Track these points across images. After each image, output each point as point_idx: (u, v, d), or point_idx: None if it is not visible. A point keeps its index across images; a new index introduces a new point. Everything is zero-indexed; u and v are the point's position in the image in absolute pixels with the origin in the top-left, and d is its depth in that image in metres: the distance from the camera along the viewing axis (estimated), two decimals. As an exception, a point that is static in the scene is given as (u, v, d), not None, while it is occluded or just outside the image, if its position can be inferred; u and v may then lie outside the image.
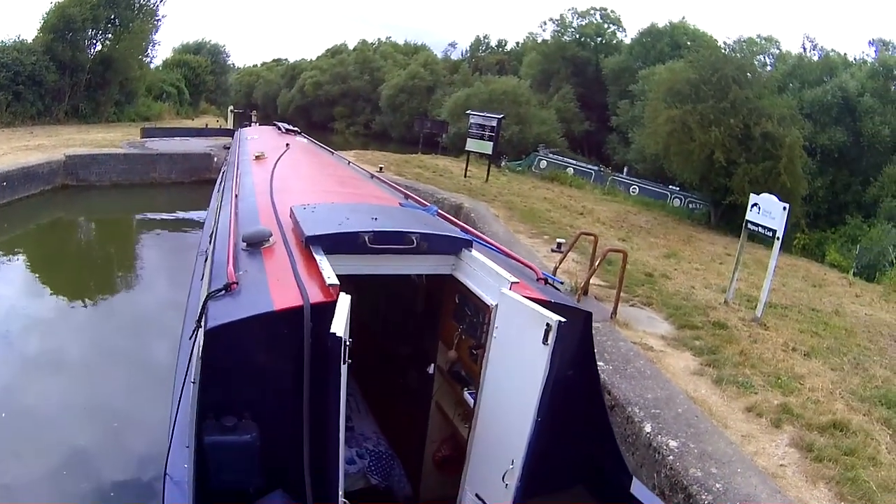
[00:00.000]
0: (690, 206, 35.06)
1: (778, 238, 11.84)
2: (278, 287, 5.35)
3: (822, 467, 7.19)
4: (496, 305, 5.77)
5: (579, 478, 6.54)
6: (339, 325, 4.60)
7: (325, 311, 4.87)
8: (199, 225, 20.25)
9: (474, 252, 6.50)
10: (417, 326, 8.25)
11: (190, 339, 5.70)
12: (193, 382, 5.19)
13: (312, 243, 6.00)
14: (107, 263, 20.07)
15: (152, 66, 51.54)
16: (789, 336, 11.44)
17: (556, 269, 11.77)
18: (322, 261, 5.66)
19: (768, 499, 6.44)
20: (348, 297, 5.00)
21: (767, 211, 12.11)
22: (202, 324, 5.08)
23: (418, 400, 7.86)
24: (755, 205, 12.43)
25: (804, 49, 47.67)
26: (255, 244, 6.37)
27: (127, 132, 34.82)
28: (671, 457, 6.96)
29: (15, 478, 8.74)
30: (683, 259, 17.95)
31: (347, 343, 4.61)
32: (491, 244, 7.52)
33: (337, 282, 5.21)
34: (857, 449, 7.53)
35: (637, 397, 8.06)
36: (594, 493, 6.47)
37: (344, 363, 4.64)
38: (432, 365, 7.38)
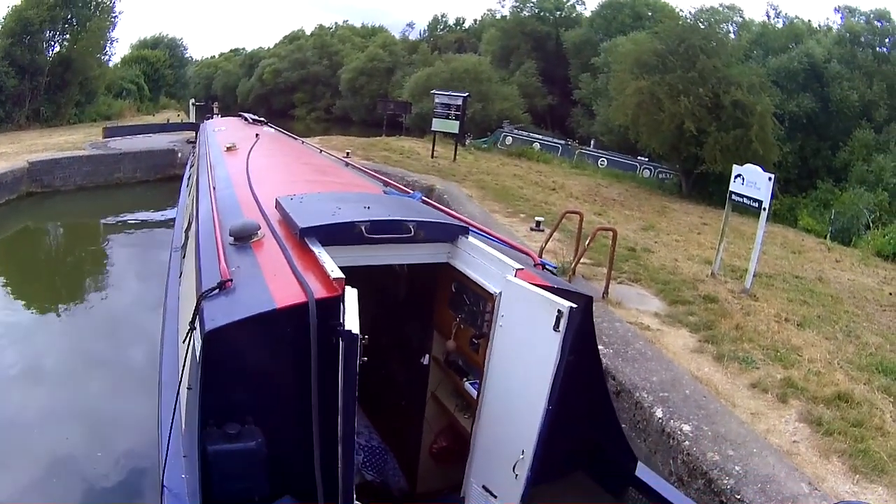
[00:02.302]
0: (660, 176, 35.14)
1: (764, 209, 11.80)
2: (277, 283, 5.09)
3: (833, 441, 7.18)
4: (500, 293, 5.56)
5: (583, 463, 6.40)
6: (352, 320, 4.41)
7: (330, 306, 4.68)
8: (168, 223, 19.90)
9: (471, 239, 6.27)
10: (406, 317, 7.95)
11: (183, 342, 5.31)
12: (189, 388, 5.00)
13: (307, 235, 5.70)
14: (78, 269, 19.65)
15: (111, 64, 50.40)
16: (780, 306, 11.45)
17: (541, 249, 11.55)
18: (321, 253, 5.40)
19: (787, 478, 6.39)
20: (355, 290, 4.75)
21: (752, 182, 12.08)
22: (197, 325, 4.86)
23: (412, 392, 7.64)
24: (739, 175, 12.40)
25: (768, 17, 47.90)
26: (244, 238, 6.04)
27: (89, 133, 34.08)
28: (687, 442, 6.86)
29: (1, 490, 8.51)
30: (661, 231, 17.97)
31: (363, 339, 4.40)
32: (485, 231, 7.26)
33: (342, 275, 4.94)
34: (863, 420, 7.55)
35: (643, 381, 7.93)
36: (598, 478, 6.34)
37: (359, 360, 4.42)
38: (426, 356, 7.18)
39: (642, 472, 6.11)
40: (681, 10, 52.30)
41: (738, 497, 6.22)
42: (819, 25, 42.90)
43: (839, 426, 7.38)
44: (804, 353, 9.34)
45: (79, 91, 42.15)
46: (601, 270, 12.13)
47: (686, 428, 6.97)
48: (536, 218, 16.24)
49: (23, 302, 15.65)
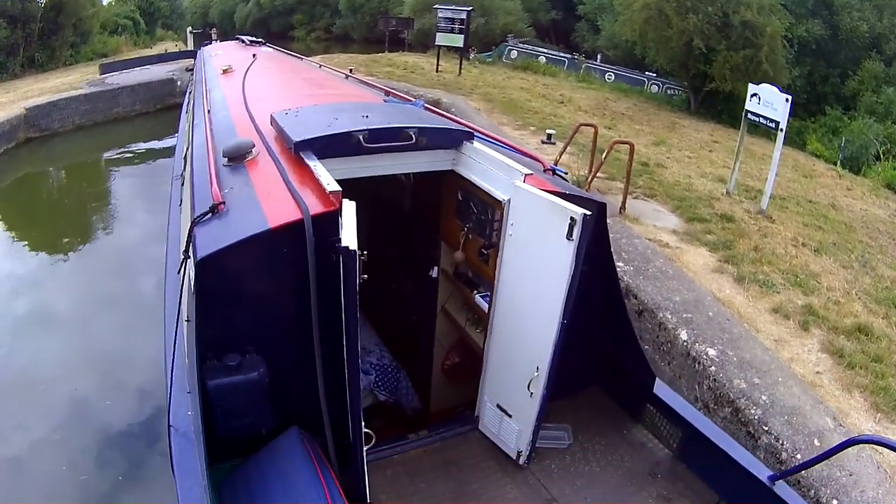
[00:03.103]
0: (668, 91, 34.33)
1: (781, 130, 11.55)
2: (271, 202, 4.84)
3: (855, 375, 7.11)
4: (508, 200, 5.31)
5: (599, 378, 6.35)
6: (350, 235, 4.18)
7: (327, 221, 4.47)
8: (169, 152, 19.62)
9: (476, 144, 5.96)
10: (412, 229, 7.75)
11: (178, 272, 5.14)
12: (187, 320, 4.75)
13: (302, 149, 5.40)
14: (82, 209, 19.31)
15: (104, 2, 49.50)
16: (795, 230, 11.32)
17: (556, 162, 11.16)
18: (316, 167, 5.10)
19: (812, 411, 6.32)
20: (353, 203, 4.53)
21: (768, 102, 11.80)
22: (190, 254, 4.59)
23: (422, 306, 7.47)
24: (755, 95, 12.08)
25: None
26: (238, 158, 5.75)
27: (85, 72, 33.12)
28: (713, 367, 6.74)
29: (20, 437, 8.51)
30: (673, 147, 17.72)
31: (361, 255, 4.16)
32: (490, 136, 6.91)
33: (338, 188, 4.67)
34: (883, 356, 7.48)
35: (665, 301, 7.73)
36: (614, 394, 6.28)
37: (358, 278, 4.17)
38: (435, 268, 7.00)
39: (660, 389, 5.98)
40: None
41: (766, 428, 6.17)
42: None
43: (860, 360, 7.31)
44: (822, 281, 9.23)
45: (73, 32, 40.97)
46: (615, 185, 11.95)
47: (711, 352, 6.79)
48: (548, 131, 15.88)
49: (29, 247, 15.48)
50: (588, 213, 4.69)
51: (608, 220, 9.55)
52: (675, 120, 24.45)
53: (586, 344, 5.76)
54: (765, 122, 11.88)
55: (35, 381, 9.62)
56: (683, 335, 7.03)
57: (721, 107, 26.78)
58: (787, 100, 11.40)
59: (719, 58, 24.52)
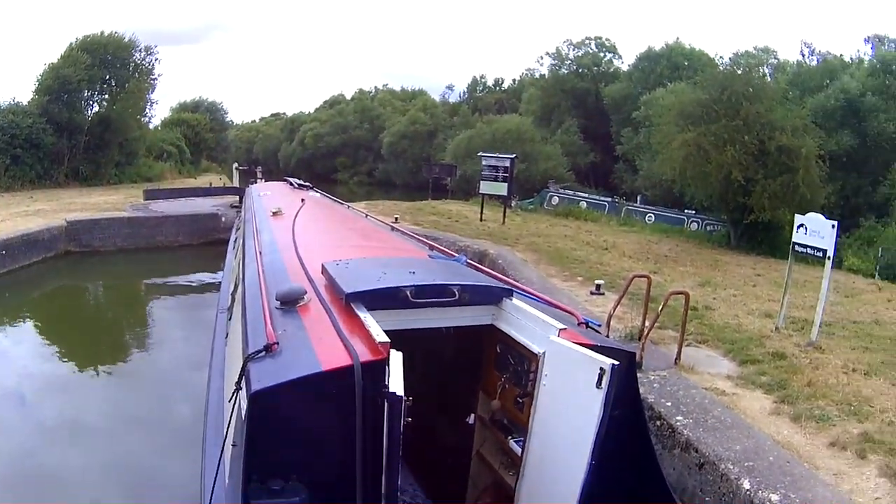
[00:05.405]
0: (708, 228, 34.65)
1: (829, 258, 11.56)
2: (323, 346, 5.23)
3: None
4: (544, 353, 5.73)
5: None
6: (397, 382, 4.59)
7: (374, 369, 4.83)
8: (211, 287, 20.14)
9: (515, 300, 6.48)
10: (452, 378, 8.10)
11: (229, 401, 5.45)
12: (234, 445, 5.13)
13: (353, 300, 5.90)
14: (117, 327, 19.80)
15: (151, 125, 51.56)
16: (845, 356, 11.16)
17: (609, 316, 11.32)
18: (367, 318, 5.55)
19: None
20: (399, 353, 4.91)
21: (815, 230, 11.85)
22: (242, 386, 5.02)
23: (458, 450, 7.79)
24: (801, 225, 12.13)
25: (802, 55, 48.09)
26: (290, 302, 6.21)
27: (129, 194, 34.68)
28: None
29: None
30: (718, 286, 17.54)
31: (407, 401, 4.55)
32: (528, 292, 7.46)
33: (387, 339, 5.09)
34: None
35: (726, 451, 7.72)
36: None
37: (403, 421, 4.56)
38: (472, 415, 7.43)
39: None
40: (719, 56, 52.62)
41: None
42: (851, 58, 43.16)
43: (917, 480, 7.19)
44: (875, 404, 9.13)
45: (119, 151, 42.99)
46: (666, 333, 11.89)
47: (774, 497, 6.74)
48: (596, 282, 15.95)
49: (60, 354, 15.73)
50: (616, 363, 5.03)
51: (664, 373, 9.93)
52: (717, 256, 24.54)
53: (616, 484, 5.86)
54: (812, 251, 11.90)
55: (56, 487, 9.70)
56: (746, 484, 6.96)
57: (761, 237, 26.92)
58: (832, 226, 11.44)
59: (757, 187, 24.78)
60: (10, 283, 20.45)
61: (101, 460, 10.76)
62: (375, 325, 5.37)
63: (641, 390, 8.83)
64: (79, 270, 24.20)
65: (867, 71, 37.14)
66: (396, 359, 4.84)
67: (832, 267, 11.85)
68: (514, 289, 6.95)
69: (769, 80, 38.27)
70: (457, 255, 9.38)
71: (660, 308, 10.52)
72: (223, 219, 29.27)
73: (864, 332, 12.88)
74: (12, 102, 37.01)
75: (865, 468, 7.53)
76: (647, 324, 11.12)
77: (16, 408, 12.39)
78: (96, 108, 40.73)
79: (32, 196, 31.76)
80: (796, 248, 12.33)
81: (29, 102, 37.53)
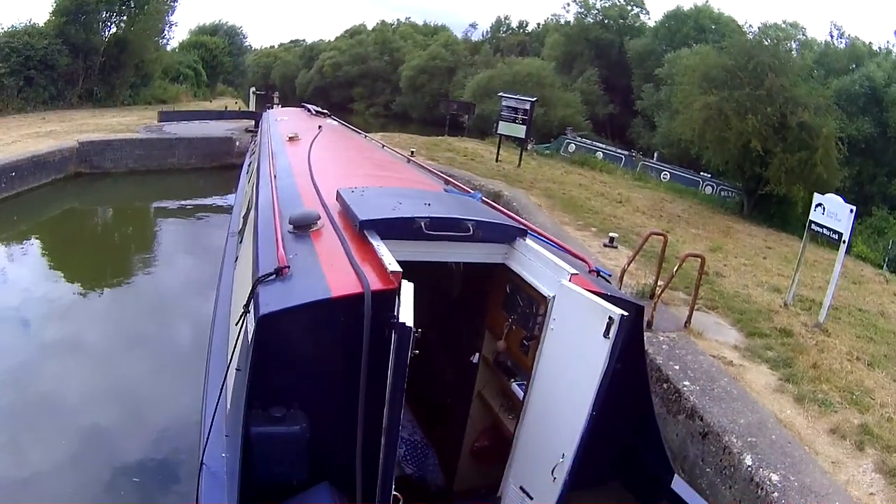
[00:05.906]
0: (722, 193, 34.47)
1: (844, 241, 11.49)
2: (334, 273, 5.23)
3: None
4: (553, 297, 5.68)
5: (620, 472, 6.51)
6: (407, 313, 4.49)
7: (385, 298, 4.81)
8: (222, 210, 20.24)
9: (529, 241, 6.40)
10: (459, 315, 8.09)
11: (236, 324, 5.47)
12: (238, 370, 5.13)
13: (366, 228, 5.86)
14: (125, 249, 19.89)
15: (168, 47, 50.98)
16: (850, 343, 11.21)
17: (623, 271, 11.28)
18: (380, 246, 5.54)
19: None
20: (411, 284, 4.86)
21: (833, 212, 11.75)
22: (250, 309, 4.99)
23: (459, 389, 7.78)
24: (819, 205, 12.03)
25: (831, 36, 47.58)
26: (303, 227, 6.20)
27: (143, 116, 34.23)
28: (775, 493, 6.69)
29: (37, 464, 8.64)
30: (729, 253, 17.61)
31: (416, 333, 4.45)
32: (542, 234, 7.37)
33: (399, 269, 5.08)
34: None
35: (730, 423, 7.79)
36: (633, 488, 6.45)
37: (410, 353, 4.46)
38: (476, 354, 7.33)
39: (678, 485, 6.21)
40: (748, 24, 51.89)
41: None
42: (879, 48, 42.59)
43: (911, 480, 7.29)
44: (876, 396, 9.18)
45: (134, 73, 42.50)
46: (676, 295, 11.95)
47: (774, 478, 6.83)
48: (610, 234, 15.96)
49: (65, 276, 15.80)
50: (625, 313, 4.99)
51: (673, 334, 9.99)
52: (730, 224, 24.48)
53: (613, 437, 6.00)
54: (828, 233, 11.83)
55: (56, 409, 9.81)
56: (748, 460, 7.02)
57: (774, 210, 26.96)
58: (850, 210, 11.37)
59: (775, 160, 24.63)
60: (18, 205, 20.25)
61: (103, 384, 10.77)
62: (388, 254, 5.36)
63: (650, 350, 9.02)
64: (88, 193, 23.87)
65: (894, 63, 36.84)
66: (408, 289, 4.79)
67: (846, 252, 11.74)
68: (528, 229, 6.87)
69: (795, 55, 37.84)
70: (472, 191, 9.28)
71: (675, 269, 10.51)
72: (237, 143, 29.09)
73: (870, 323, 12.87)
74: (28, 24, 36.31)
75: (862, 461, 7.62)
76: (660, 283, 11.17)
77: (19, 329, 12.40)
78: (113, 30, 40.11)
79: (45, 117, 31.25)
80: (812, 226, 12.23)
81: (45, 24, 36.76)
